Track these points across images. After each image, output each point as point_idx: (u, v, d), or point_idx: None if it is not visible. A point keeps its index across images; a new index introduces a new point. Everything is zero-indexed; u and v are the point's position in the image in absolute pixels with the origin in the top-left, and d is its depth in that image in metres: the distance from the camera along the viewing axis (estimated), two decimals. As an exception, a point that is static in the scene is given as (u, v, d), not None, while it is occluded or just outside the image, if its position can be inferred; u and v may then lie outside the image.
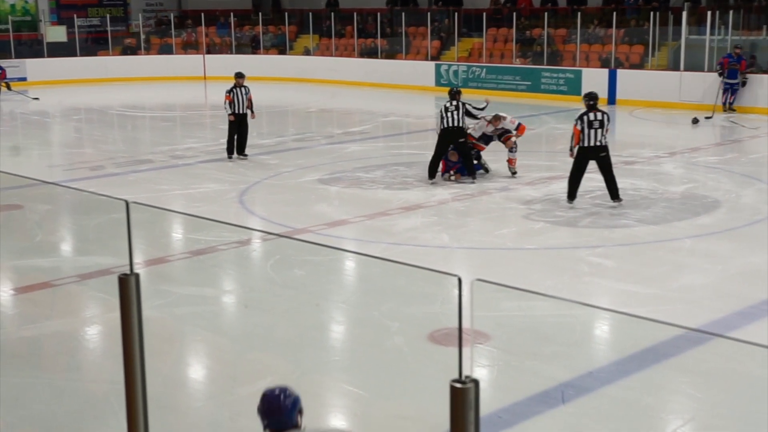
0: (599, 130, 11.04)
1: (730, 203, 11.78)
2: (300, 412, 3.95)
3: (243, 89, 15.26)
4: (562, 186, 12.56)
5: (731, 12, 22.26)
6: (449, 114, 12.82)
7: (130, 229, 3.03)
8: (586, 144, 11.08)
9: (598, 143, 11.09)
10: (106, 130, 20.78)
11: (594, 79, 23.11)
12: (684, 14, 22.12)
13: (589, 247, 9.71)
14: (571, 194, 11.40)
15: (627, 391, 6.25)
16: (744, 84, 20.49)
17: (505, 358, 6.89)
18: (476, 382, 2.25)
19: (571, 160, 11.39)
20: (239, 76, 15.32)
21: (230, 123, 15.30)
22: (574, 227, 10.64)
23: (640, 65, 23.63)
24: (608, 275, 8.99)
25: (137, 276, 2.90)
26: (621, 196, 11.34)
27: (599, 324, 7.80)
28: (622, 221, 10.78)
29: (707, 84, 21.12)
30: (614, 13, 24.05)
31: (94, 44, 32.52)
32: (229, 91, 15.24)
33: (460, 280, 2.31)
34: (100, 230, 10.67)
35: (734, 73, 20.34)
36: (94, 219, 11.15)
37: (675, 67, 22.56)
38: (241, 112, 15.24)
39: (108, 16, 32.76)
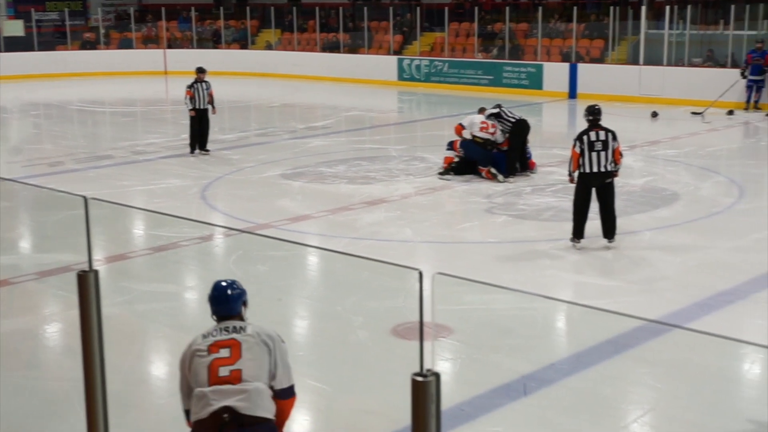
0: (603, 153, 9.15)
1: (689, 196, 11.94)
2: (245, 304, 4.52)
3: (204, 84, 15.17)
4: (524, 180, 12.66)
5: (689, 7, 22.55)
6: None
7: (88, 225, 3.01)
8: (587, 170, 9.20)
9: (602, 169, 9.20)
10: (66, 126, 20.54)
11: (555, 74, 23.34)
12: (643, 9, 22.41)
13: (551, 240, 9.78)
14: (578, 232, 9.41)
15: (588, 382, 6.31)
16: None
17: (467, 351, 6.93)
18: (437, 375, 2.27)
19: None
20: (200, 71, 15.22)
21: (191, 118, 15.20)
22: (536, 220, 10.71)
23: (600, 59, 23.86)
24: (569, 268, 9.07)
25: (96, 273, 2.89)
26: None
27: (560, 316, 7.87)
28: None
29: (665, 78, 21.42)
30: (575, 8, 24.26)
31: (52, 39, 32.11)
32: (190, 86, 15.14)
33: (420, 274, 2.32)
34: (60, 227, 10.54)
35: (758, 69, 19.39)
36: (53, 215, 11.02)
37: (634, 61, 22.82)
38: (201, 107, 15.14)
39: (66, 10, 32.35)
